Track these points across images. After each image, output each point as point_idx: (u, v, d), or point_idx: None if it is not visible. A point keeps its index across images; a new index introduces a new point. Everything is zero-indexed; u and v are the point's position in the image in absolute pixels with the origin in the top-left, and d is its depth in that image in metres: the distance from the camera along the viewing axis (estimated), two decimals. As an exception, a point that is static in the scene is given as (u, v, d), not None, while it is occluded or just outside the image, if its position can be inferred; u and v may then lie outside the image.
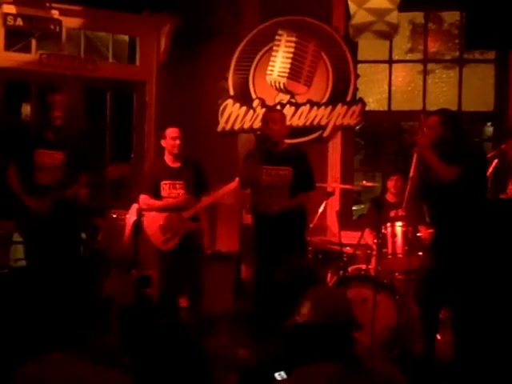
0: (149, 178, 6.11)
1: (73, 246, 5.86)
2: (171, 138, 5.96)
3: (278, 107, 7.17)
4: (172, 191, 6.01)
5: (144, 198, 6.06)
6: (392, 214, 6.38)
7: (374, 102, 7.82)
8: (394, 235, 6.13)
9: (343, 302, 2.70)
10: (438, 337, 5.55)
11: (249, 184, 5.67)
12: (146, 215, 6.15)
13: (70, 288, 2.85)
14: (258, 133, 5.77)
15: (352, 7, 6.06)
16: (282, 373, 2.75)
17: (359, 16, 6.02)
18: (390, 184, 6.63)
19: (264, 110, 6.99)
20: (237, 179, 5.86)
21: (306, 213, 5.78)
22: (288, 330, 2.65)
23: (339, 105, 7.22)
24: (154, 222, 6.05)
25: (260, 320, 5.17)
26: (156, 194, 6.02)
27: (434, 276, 5.12)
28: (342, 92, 7.27)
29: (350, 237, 6.46)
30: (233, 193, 6.08)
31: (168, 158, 6.05)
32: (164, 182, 5.99)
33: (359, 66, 7.45)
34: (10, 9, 6.83)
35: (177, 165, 6.04)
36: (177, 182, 6.00)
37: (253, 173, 5.53)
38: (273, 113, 5.98)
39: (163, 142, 6.01)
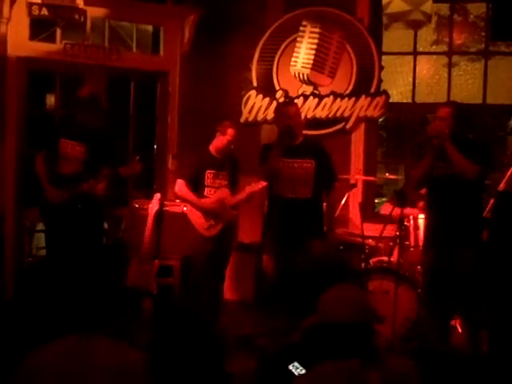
0: (193, 165, 6.11)
1: (92, 236, 5.91)
2: (229, 140, 6.02)
3: (301, 98, 7.19)
4: (215, 181, 6.07)
5: (181, 183, 6.07)
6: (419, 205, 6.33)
7: (398, 94, 7.78)
8: (416, 228, 6.14)
9: (364, 299, 2.69)
10: (459, 329, 5.54)
11: (272, 177, 5.69)
12: None
13: (90, 276, 2.88)
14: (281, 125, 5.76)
15: (386, -4, 6.06)
16: (301, 367, 2.76)
17: (394, 5, 6.00)
18: None
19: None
20: (259, 182, 5.89)
21: (321, 204, 5.81)
22: (308, 328, 2.65)
23: (363, 96, 7.19)
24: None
25: (280, 309, 5.19)
26: (197, 182, 6.05)
27: (438, 270, 5.12)
28: (365, 84, 7.23)
29: (372, 229, 6.44)
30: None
31: (214, 149, 6.09)
32: (209, 171, 6.04)
33: (383, 57, 7.40)
34: (36, -2, 6.86)
35: (220, 156, 6.09)
36: (220, 173, 6.07)
37: (275, 166, 5.57)
38: (292, 106, 6.00)
39: (219, 136, 6.05)
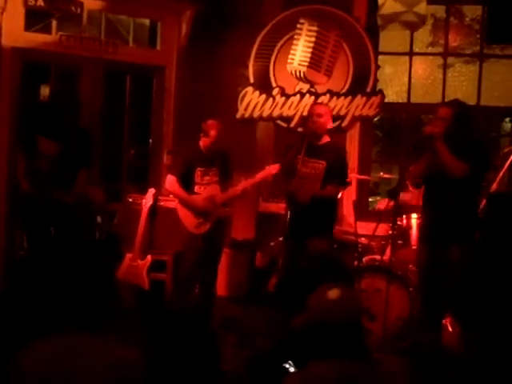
0: (183, 162, 6.09)
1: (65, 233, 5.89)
2: (212, 142, 5.98)
3: (298, 96, 7.20)
4: (204, 178, 6.03)
5: (171, 179, 6.05)
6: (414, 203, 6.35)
7: (394, 93, 7.80)
8: (409, 227, 6.16)
9: (353, 299, 2.70)
10: (450, 329, 5.56)
11: (288, 173, 5.76)
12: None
13: (82, 270, 2.87)
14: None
15: (381, -3, 6.09)
16: (292, 365, 2.77)
17: (388, 6, 6.03)
18: None
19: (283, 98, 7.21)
20: (271, 166, 5.92)
21: (335, 206, 5.91)
22: (298, 327, 2.66)
23: (359, 95, 7.20)
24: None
25: (276, 306, 5.22)
26: (187, 179, 6.03)
27: (432, 267, 5.15)
28: (361, 83, 7.25)
29: (365, 227, 6.45)
30: (265, 181, 6.09)
31: (203, 146, 6.06)
32: (199, 168, 6.01)
33: (380, 57, 7.42)
34: (32, -12, 6.82)
35: (209, 153, 6.06)
36: (210, 170, 6.03)
37: (292, 162, 5.68)
38: (316, 106, 6.09)
39: (203, 137, 6.02)
